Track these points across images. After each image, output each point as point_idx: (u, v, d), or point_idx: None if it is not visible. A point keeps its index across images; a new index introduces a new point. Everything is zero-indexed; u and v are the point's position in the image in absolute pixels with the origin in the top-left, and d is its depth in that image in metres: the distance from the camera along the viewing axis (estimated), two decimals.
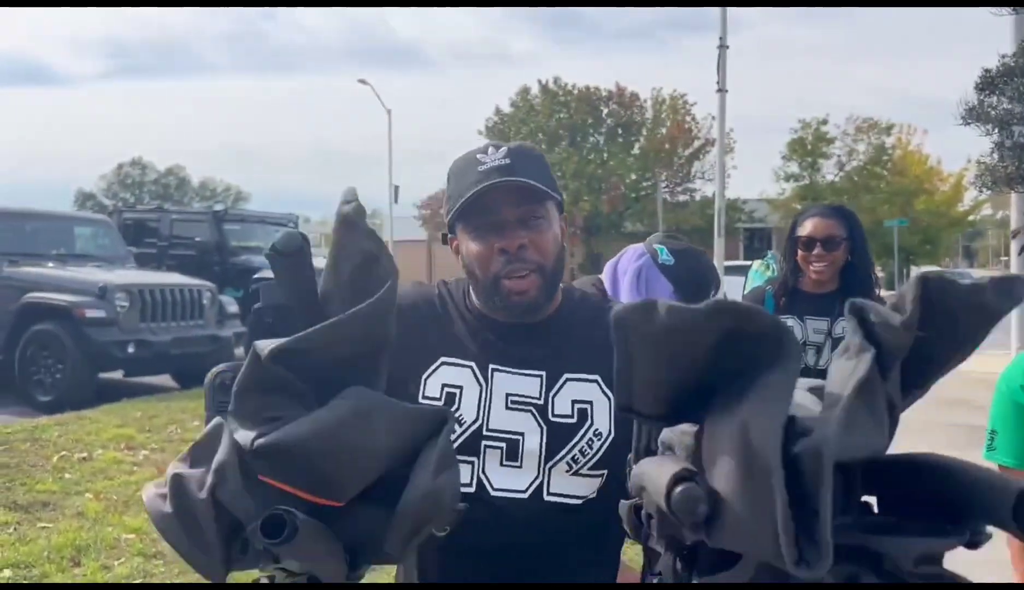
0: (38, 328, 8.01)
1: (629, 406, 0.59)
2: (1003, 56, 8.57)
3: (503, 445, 1.21)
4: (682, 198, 34.60)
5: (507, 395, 1.22)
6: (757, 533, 0.51)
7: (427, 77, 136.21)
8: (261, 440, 0.64)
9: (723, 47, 17.41)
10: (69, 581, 3.34)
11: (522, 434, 1.21)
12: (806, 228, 2.64)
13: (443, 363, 1.24)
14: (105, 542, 3.76)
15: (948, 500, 0.56)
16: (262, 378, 0.68)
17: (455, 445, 1.18)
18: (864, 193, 32.34)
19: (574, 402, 1.22)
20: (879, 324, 0.54)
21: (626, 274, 1.84)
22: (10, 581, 3.34)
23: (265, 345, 0.66)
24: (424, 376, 1.23)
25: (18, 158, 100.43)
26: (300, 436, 0.64)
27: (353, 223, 0.73)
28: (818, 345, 2.63)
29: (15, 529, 3.93)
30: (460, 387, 1.22)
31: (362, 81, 30.98)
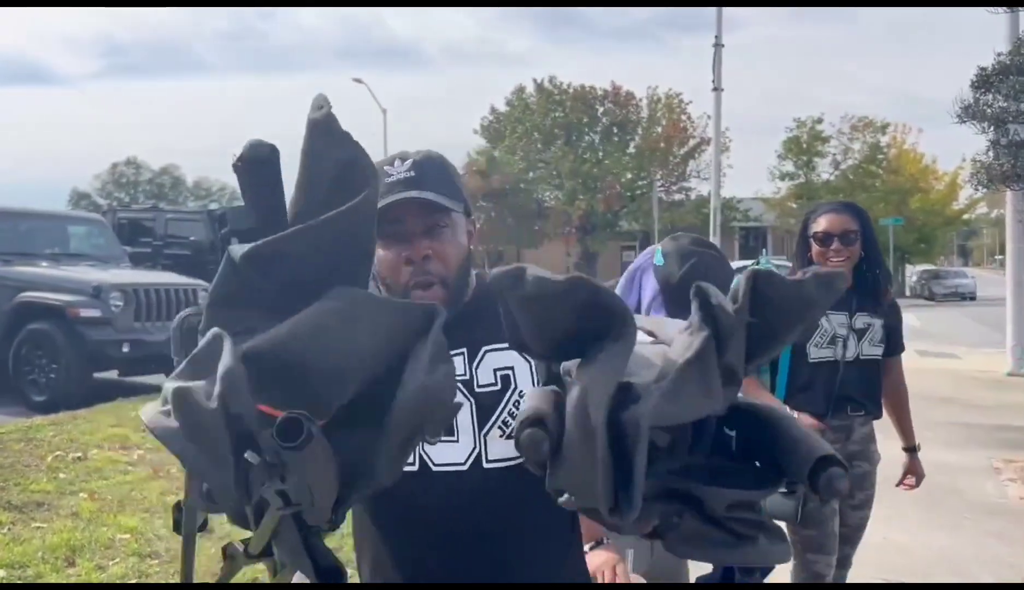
0: (32, 327, 7.98)
1: (520, 345, 0.67)
2: (998, 54, 8.58)
3: None
4: (678, 197, 34.63)
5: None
6: (583, 482, 0.59)
7: (422, 76, 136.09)
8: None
9: (719, 46, 17.44)
10: (64, 581, 3.32)
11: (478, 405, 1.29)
12: (821, 224, 2.66)
13: None
14: (100, 542, 3.75)
15: (774, 451, 0.66)
16: (235, 289, 0.64)
17: None
18: (859, 192, 32.37)
19: (496, 370, 1.30)
20: (716, 308, 0.61)
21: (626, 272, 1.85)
22: (4, 581, 3.33)
23: (239, 249, 0.63)
24: None
25: (13, 158, 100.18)
26: (276, 340, 0.60)
27: (327, 128, 0.67)
28: (844, 338, 2.67)
29: (9, 529, 3.91)
30: None
31: (357, 80, 30.94)
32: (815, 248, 2.67)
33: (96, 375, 8.23)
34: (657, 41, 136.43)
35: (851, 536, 2.73)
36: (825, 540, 2.61)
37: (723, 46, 17.52)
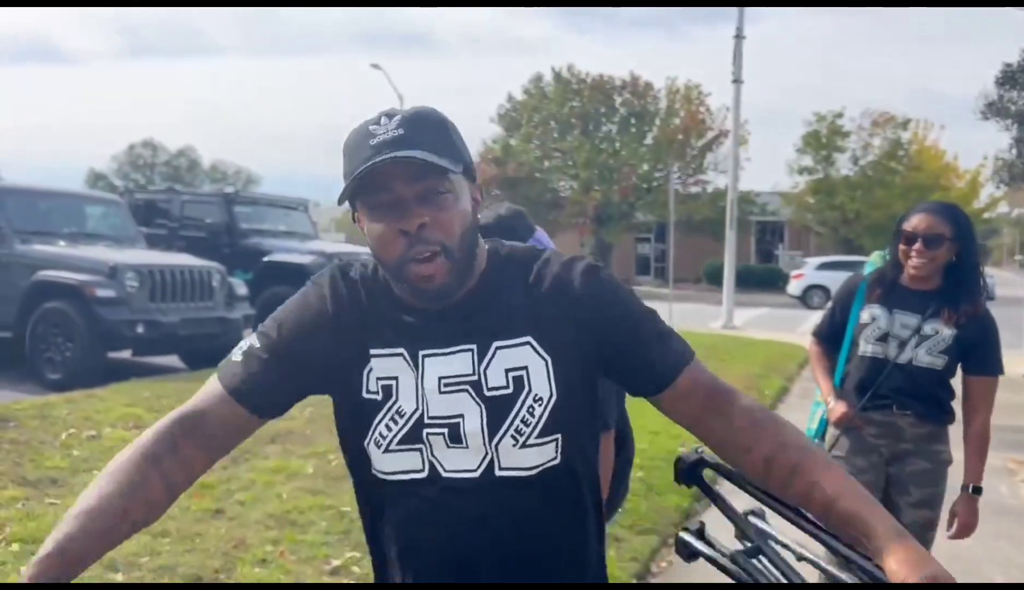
0: (48, 306, 8.04)
1: None
2: None
3: (445, 430, 1.17)
4: (694, 189, 34.39)
5: (439, 379, 1.17)
6: None
7: (439, 62, 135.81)
8: None
9: (739, 37, 17.27)
10: None
11: (461, 416, 1.16)
12: (911, 222, 2.58)
13: (372, 355, 1.20)
14: None
15: None
16: None
17: (399, 437, 1.17)
18: (879, 188, 32.08)
19: (507, 371, 1.17)
20: None
21: None
22: (19, 556, 3.37)
23: None
24: (364, 372, 1.20)
25: (30, 137, 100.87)
26: None
27: None
28: (902, 340, 2.60)
29: (23, 504, 3.95)
30: (395, 377, 1.19)
31: (375, 66, 30.91)
32: (901, 246, 2.60)
33: (111, 355, 8.30)
34: (677, 31, 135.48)
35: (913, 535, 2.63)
36: None
37: (744, 37, 17.35)
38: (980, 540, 4.39)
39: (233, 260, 10.71)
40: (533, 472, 1.17)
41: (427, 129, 1.14)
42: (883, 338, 2.63)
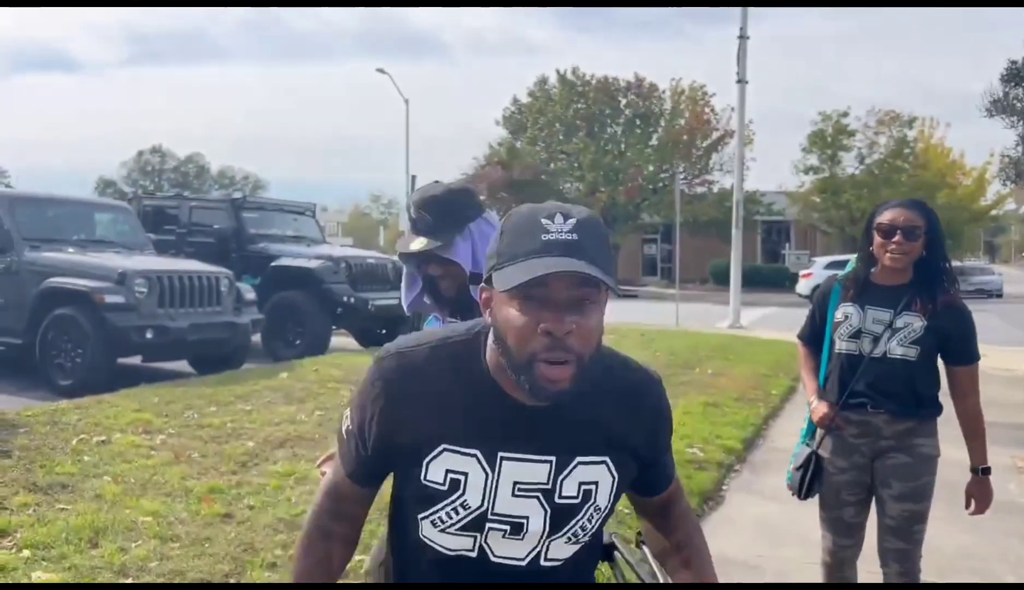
0: (58, 313, 8.09)
1: None
2: None
3: (507, 526, 1.24)
4: (700, 190, 34.36)
5: (515, 483, 1.21)
6: None
7: (445, 66, 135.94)
8: None
9: (743, 38, 17.25)
10: (87, 562, 3.38)
11: (527, 517, 1.23)
12: (887, 216, 2.64)
13: (444, 450, 1.21)
14: (123, 524, 3.80)
15: None
16: None
17: (459, 525, 1.22)
18: (885, 186, 31.97)
19: (581, 484, 1.23)
20: None
21: None
22: (29, 561, 3.39)
23: None
24: (426, 460, 1.22)
25: (40, 145, 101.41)
26: None
27: None
28: (875, 335, 2.66)
29: (34, 510, 3.98)
30: (465, 474, 1.21)
31: (380, 70, 30.98)
32: (877, 240, 2.65)
33: (120, 360, 8.33)
34: (681, 32, 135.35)
35: (897, 528, 2.66)
36: (831, 521, 2.81)
37: (748, 38, 17.34)
38: (990, 538, 4.37)
39: (241, 265, 10.76)
40: (574, 553, 1.30)
41: (595, 240, 1.15)
42: (856, 335, 2.69)
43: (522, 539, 1.23)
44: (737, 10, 17.46)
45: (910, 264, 2.63)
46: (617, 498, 1.29)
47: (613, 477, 1.25)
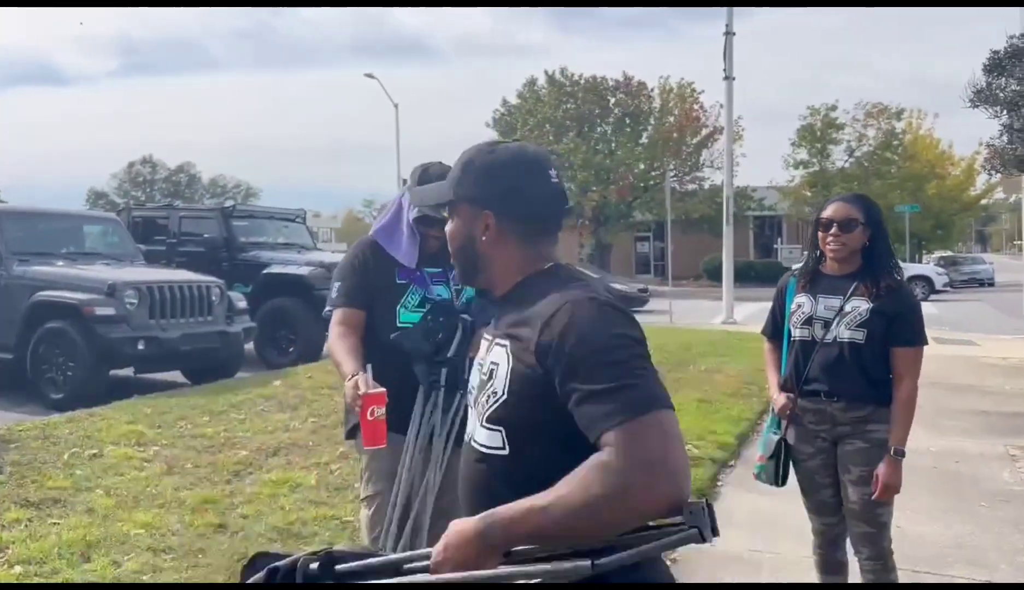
0: (49, 326, 8.05)
1: None
2: (1011, 36, 8.45)
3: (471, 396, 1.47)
4: (691, 187, 34.40)
5: (478, 358, 1.48)
6: None
7: (434, 69, 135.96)
8: None
9: (729, 34, 17.28)
10: (79, 577, 3.36)
11: (470, 381, 1.49)
12: (827, 212, 2.83)
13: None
14: (115, 537, 3.78)
15: None
16: None
17: None
18: (874, 179, 32.10)
19: (491, 362, 1.40)
20: None
21: None
22: (21, 577, 3.36)
23: None
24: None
25: (31, 158, 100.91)
26: None
27: None
28: (826, 320, 2.78)
29: (26, 525, 3.95)
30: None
31: (369, 75, 30.99)
32: (820, 234, 2.85)
33: (112, 372, 8.30)
34: (669, 30, 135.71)
35: (860, 513, 2.74)
36: (814, 504, 2.92)
37: (734, 34, 17.38)
38: (985, 528, 4.38)
39: (232, 274, 10.72)
40: (486, 451, 1.39)
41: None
42: (808, 322, 2.81)
43: (472, 405, 1.43)
44: (723, 8, 17.49)
45: (851, 254, 2.79)
46: (515, 393, 1.31)
47: (509, 363, 1.33)
